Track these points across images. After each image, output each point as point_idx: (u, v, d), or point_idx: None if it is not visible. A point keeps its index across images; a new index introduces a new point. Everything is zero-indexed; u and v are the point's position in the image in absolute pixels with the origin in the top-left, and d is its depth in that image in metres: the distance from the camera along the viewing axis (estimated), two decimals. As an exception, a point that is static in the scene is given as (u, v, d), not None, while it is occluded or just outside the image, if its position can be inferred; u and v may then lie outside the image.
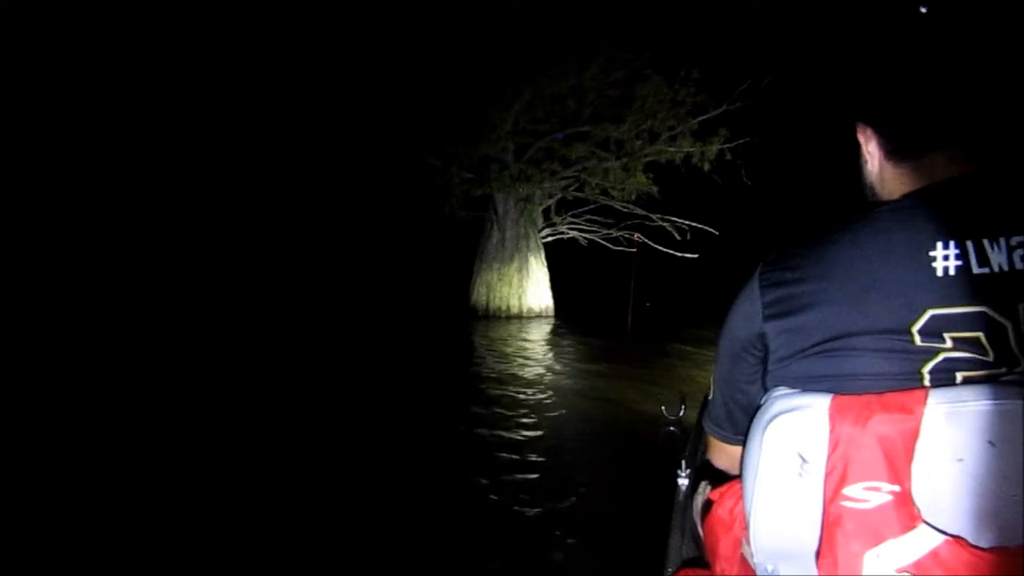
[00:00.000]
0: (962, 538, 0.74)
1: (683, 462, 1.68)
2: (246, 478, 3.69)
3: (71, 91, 12.11)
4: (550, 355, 9.06)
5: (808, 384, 0.83)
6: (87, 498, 3.08)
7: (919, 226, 0.80)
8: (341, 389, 5.83)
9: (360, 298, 13.51)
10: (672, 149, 11.97)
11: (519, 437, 4.98)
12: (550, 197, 13.78)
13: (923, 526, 0.75)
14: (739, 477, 1.02)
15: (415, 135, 11.83)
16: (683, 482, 1.64)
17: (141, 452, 3.83)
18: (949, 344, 0.77)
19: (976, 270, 0.77)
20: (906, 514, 0.75)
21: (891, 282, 0.79)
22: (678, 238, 13.12)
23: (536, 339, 10.63)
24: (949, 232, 0.79)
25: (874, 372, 0.78)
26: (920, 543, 0.75)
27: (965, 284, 0.77)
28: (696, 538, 1.36)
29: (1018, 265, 0.76)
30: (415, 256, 16.73)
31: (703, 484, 1.28)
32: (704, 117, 11.71)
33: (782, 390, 0.84)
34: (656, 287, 13.08)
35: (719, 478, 1.16)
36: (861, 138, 0.94)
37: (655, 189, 12.90)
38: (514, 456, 4.53)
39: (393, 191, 13.98)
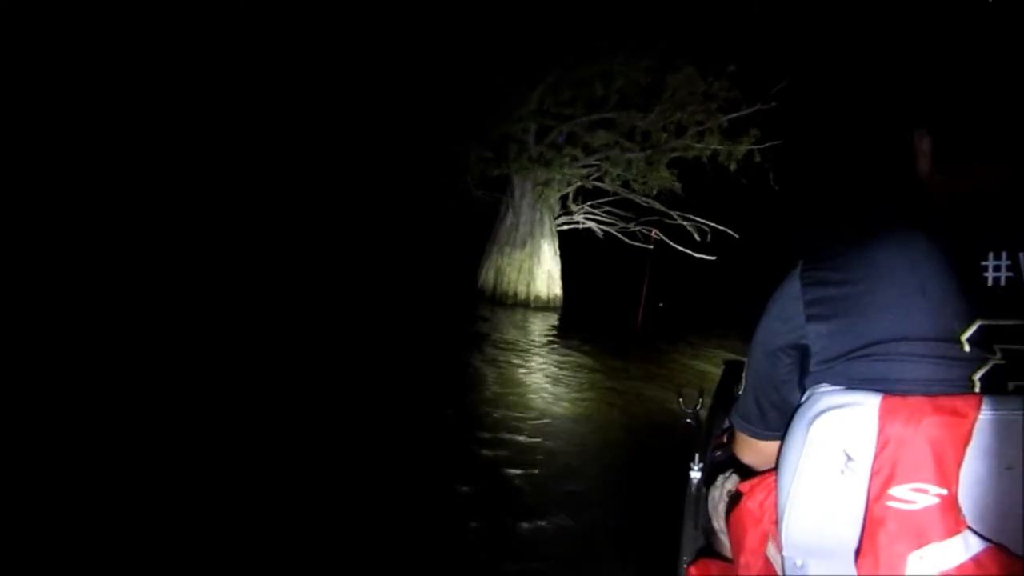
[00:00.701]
0: (1004, 546, 0.76)
1: (696, 455, 1.72)
2: (242, 467, 3.73)
3: (70, 79, 12.31)
4: (550, 344, 9.06)
5: (853, 386, 0.84)
6: (85, 497, 3.13)
7: (971, 234, 0.82)
8: (333, 377, 5.84)
9: (369, 275, 13.52)
10: (699, 145, 11.78)
11: (511, 426, 5.01)
12: (569, 184, 13.60)
13: (967, 531, 0.77)
14: (768, 471, 1.05)
15: (434, 108, 11.70)
16: (695, 475, 1.68)
17: (134, 442, 3.86)
18: (999, 355, 0.78)
19: None
20: (951, 518, 0.77)
21: (942, 290, 0.80)
22: (697, 239, 13.05)
23: (539, 327, 10.62)
24: (1000, 243, 0.81)
25: (923, 378, 0.80)
26: (963, 548, 0.77)
27: (1015, 296, 0.79)
28: (707, 530, 1.41)
29: None
30: (429, 234, 16.74)
31: (722, 477, 1.31)
32: (736, 115, 11.52)
33: (827, 387, 0.86)
34: (671, 287, 13.05)
35: (744, 471, 1.18)
36: (912, 139, 0.96)
37: (678, 186, 12.73)
38: (501, 444, 4.60)
39: (409, 166, 13.97)
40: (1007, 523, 0.77)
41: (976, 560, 0.76)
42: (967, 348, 0.79)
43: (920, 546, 0.77)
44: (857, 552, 0.81)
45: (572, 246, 14.31)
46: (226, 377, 5.36)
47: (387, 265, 14.61)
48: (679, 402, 1.92)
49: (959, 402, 0.77)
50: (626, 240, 13.66)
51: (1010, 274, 0.79)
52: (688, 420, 1.88)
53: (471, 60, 10.96)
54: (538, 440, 4.71)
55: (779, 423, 0.96)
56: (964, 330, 0.79)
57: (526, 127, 12.26)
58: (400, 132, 12.46)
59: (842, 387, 0.84)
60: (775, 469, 0.93)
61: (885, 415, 0.79)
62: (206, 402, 4.70)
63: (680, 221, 13.10)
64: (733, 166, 11.81)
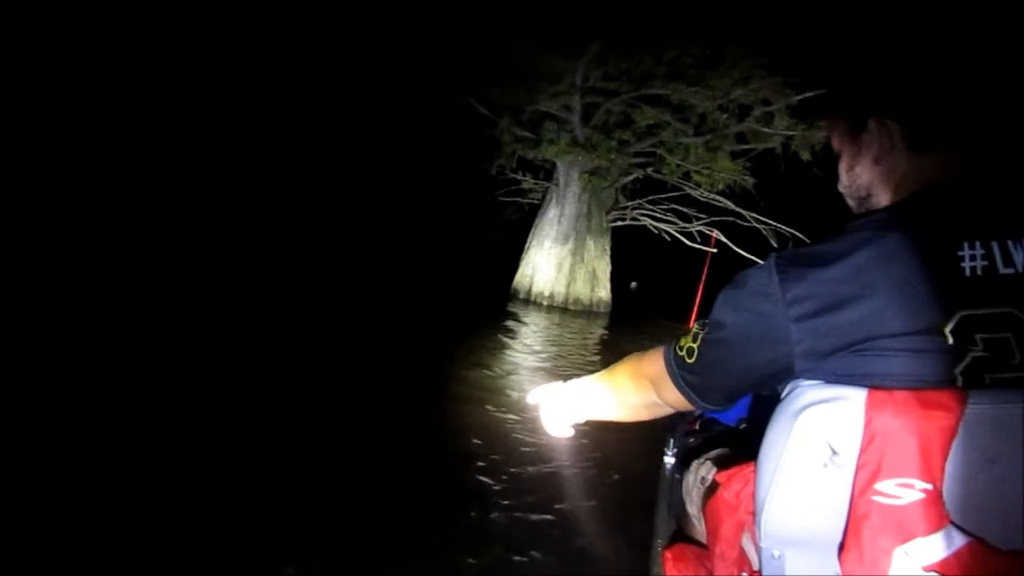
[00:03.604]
0: (985, 540, 0.85)
1: (671, 440, 1.85)
2: (242, 466, 4.00)
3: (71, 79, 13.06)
4: (571, 353, 8.90)
5: (837, 382, 0.93)
6: (85, 497, 3.41)
7: (945, 225, 0.92)
8: (336, 382, 6.07)
9: (398, 270, 13.55)
10: (767, 130, 11.29)
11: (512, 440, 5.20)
12: (625, 175, 13.38)
13: (950, 526, 0.86)
14: (745, 462, 1.17)
15: (461, 74, 11.48)
16: (669, 460, 1.82)
17: (134, 441, 4.15)
18: (980, 346, 0.87)
19: (1002, 270, 0.89)
20: (936, 513, 0.86)
21: (922, 283, 0.89)
22: (775, 245, 12.72)
23: (566, 340, 10.16)
24: (974, 232, 0.90)
25: (907, 373, 0.89)
26: (947, 543, 0.86)
27: (992, 285, 0.88)
28: (680, 515, 1.56)
29: None
30: (467, 226, 16.80)
31: (696, 463, 1.46)
32: (812, 94, 10.72)
33: (811, 382, 0.95)
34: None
35: (719, 459, 1.34)
36: (873, 129, 1.04)
37: (750, 180, 12.39)
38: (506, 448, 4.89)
39: (436, 145, 14.12)
40: (988, 517, 0.84)
41: (958, 555, 0.85)
42: (950, 340, 0.87)
43: (905, 541, 0.86)
44: (841, 546, 0.91)
45: (636, 245, 14.10)
46: (242, 373, 5.74)
47: (419, 260, 14.74)
48: None
49: (945, 396, 0.85)
50: (685, 241, 13.38)
51: (985, 263, 0.89)
52: None
53: (501, 23, 10.56)
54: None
55: (723, 404, 1.08)
56: (947, 323, 0.87)
57: (568, 104, 11.94)
58: (426, 105, 12.37)
59: (826, 382, 0.93)
60: (754, 460, 1.03)
61: (871, 409, 0.87)
62: (217, 401, 5.05)
63: (753, 223, 12.73)
64: (806, 155, 11.30)
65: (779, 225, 12.74)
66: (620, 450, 5.21)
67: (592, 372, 1.33)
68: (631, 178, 13.62)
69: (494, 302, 12.52)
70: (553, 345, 9.39)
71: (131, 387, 5.05)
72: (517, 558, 3.39)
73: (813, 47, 9.23)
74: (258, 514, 3.46)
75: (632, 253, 16.01)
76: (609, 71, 11.35)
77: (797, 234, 12.59)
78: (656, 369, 1.17)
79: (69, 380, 4.92)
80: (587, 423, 1.39)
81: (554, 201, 13.45)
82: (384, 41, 11.63)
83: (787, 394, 0.98)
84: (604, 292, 13.43)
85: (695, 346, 1.10)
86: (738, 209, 12.83)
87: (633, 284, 16.90)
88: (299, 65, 12.86)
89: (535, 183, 14.76)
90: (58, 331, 6.20)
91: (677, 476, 1.66)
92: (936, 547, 0.86)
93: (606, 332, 11.39)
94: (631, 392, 1.24)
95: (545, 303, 12.96)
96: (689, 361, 1.11)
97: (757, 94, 11.07)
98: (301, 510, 3.54)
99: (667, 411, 1.19)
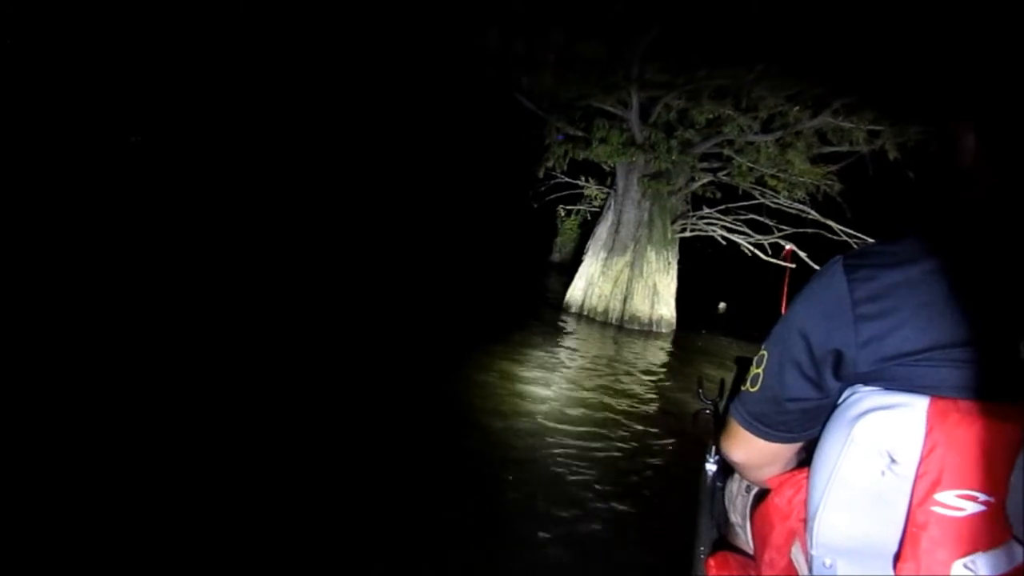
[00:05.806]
0: None
1: (712, 448, 1.93)
2: (245, 468, 4.33)
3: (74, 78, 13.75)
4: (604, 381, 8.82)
5: (898, 389, 0.96)
6: (85, 497, 3.65)
7: (1021, 234, 0.95)
8: (378, 400, 6.28)
9: (447, 280, 13.81)
10: (848, 124, 10.63)
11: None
12: (692, 180, 13.06)
13: (1013, 541, 0.90)
14: (796, 468, 1.21)
15: (505, 68, 11.41)
16: (711, 467, 1.91)
17: (135, 442, 4.42)
18: None
19: None
20: (998, 527, 0.89)
21: (998, 294, 0.93)
22: None
23: (619, 356, 10.09)
24: None
25: (974, 384, 0.92)
26: (1008, 558, 0.89)
27: None
28: (721, 523, 1.65)
29: None
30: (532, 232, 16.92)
31: None
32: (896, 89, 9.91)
33: (870, 387, 0.99)
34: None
35: None
36: (958, 132, 1.08)
37: (836, 187, 11.95)
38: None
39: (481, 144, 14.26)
40: None
41: (1021, 570, 0.89)
42: (1023, 354, 0.90)
43: (965, 554, 0.89)
44: (896, 557, 0.95)
45: (726, 262, 13.96)
46: (281, 383, 6.20)
47: (470, 269, 15.03)
48: (699, 392, 2.14)
49: (1011, 409, 0.89)
50: (760, 254, 12.87)
51: None
52: (707, 411, 2.10)
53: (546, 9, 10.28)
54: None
55: (799, 426, 1.10)
56: (1021, 336, 0.91)
57: (623, 99, 11.63)
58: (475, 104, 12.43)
59: (887, 388, 0.97)
60: (807, 466, 1.08)
61: (934, 418, 0.91)
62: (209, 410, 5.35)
63: (844, 237, 12.17)
64: (893, 153, 10.59)
65: (871, 240, 12.30)
66: (662, 455, 5.57)
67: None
68: (699, 184, 13.27)
69: (544, 316, 12.52)
70: (594, 369, 9.29)
71: (145, 388, 5.39)
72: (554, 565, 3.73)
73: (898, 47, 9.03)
74: (280, 515, 3.78)
75: (722, 270, 15.97)
76: (666, 62, 10.87)
77: (867, 239, 12.25)
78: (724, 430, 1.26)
79: (70, 380, 5.24)
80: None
81: (612, 208, 13.28)
82: (427, 30, 11.73)
83: (845, 399, 1.02)
84: (666, 310, 13.11)
85: (759, 371, 1.14)
86: (825, 220, 12.31)
87: (722, 305, 16.61)
88: (350, 66, 13.18)
89: (598, 189, 14.69)
90: (60, 331, 6.57)
91: (719, 484, 1.75)
92: (998, 562, 0.89)
93: (675, 347, 11.11)
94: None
95: (598, 319, 12.81)
96: (753, 390, 1.16)
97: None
98: (317, 515, 3.85)
99: (765, 472, 1.26)
